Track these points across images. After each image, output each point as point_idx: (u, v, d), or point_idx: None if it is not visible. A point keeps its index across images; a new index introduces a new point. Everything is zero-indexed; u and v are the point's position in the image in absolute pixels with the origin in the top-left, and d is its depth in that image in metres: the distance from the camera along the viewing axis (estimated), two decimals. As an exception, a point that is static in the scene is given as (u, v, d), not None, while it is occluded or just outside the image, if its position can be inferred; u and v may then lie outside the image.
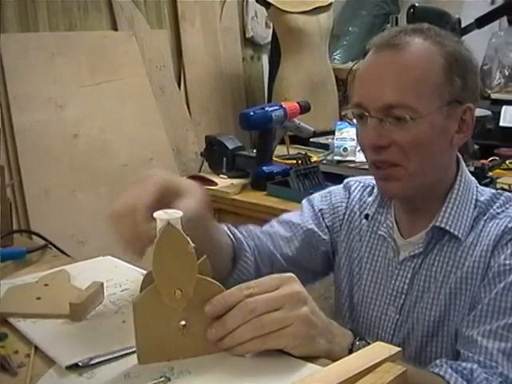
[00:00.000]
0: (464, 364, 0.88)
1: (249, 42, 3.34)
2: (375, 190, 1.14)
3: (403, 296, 1.04)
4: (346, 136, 2.34)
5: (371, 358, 0.67)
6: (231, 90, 3.24)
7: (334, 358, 0.74)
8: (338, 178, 1.27)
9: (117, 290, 0.98)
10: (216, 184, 2.12)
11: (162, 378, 0.72)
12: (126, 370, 0.75)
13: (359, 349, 0.78)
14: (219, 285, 0.77)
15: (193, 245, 0.73)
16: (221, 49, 3.18)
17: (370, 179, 1.16)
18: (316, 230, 1.15)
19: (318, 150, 2.55)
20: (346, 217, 1.16)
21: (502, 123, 2.53)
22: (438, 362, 0.90)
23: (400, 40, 0.97)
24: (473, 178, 1.06)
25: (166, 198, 0.80)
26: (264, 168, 2.08)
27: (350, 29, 3.63)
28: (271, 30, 3.20)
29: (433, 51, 0.96)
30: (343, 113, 2.84)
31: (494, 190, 1.05)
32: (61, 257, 1.18)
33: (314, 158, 2.28)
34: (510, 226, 0.96)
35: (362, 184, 1.18)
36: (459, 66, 0.97)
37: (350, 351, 0.80)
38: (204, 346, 0.76)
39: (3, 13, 2.37)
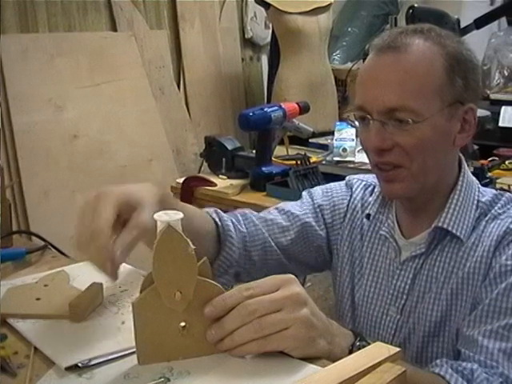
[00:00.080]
0: (464, 364, 0.88)
1: (248, 43, 3.35)
2: (376, 190, 1.13)
3: (404, 296, 1.04)
4: (346, 136, 2.33)
5: (371, 359, 0.67)
6: (230, 90, 3.25)
7: (334, 359, 0.73)
8: (337, 179, 1.27)
9: (116, 291, 0.98)
10: (215, 185, 2.12)
11: (162, 379, 0.72)
12: (126, 370, 0.75)
13: (359, 349, 0.78)
14: (219, 286, 0.76)
15: (193, 247, 0.74)
16: (220, 49, 3.18)
17: (371, 178, 1.16)
18: (313, 224, 1.15)
19: (318, 150, 2.55)
20: (348, 215, 1.16)
21: (501, 123, 2.53)
22: (438, 361, 0.90)
23: (401, 42, 0.96)
24: (475, 179, 1.06)
25: (124, 213, 0.81)
26: (263, 168, 2.08)
27: (350, 29, 3.64)
28: (270, 31, 3.21)
29: (434, 53, 0.96)
30: (345, 114, 2.85)
31: (495, 191, 1.05)
32: (60, 257, 1.18)
33: (314, 159, 2.27)
34: (511, 226, 0.96)
35: (364, 183, 1.18)
36: (460, 66, 0.97)
37: (350, 351, 0.80)
38: (204, 347, 0.76)
39: (3, 14, 2.37)
